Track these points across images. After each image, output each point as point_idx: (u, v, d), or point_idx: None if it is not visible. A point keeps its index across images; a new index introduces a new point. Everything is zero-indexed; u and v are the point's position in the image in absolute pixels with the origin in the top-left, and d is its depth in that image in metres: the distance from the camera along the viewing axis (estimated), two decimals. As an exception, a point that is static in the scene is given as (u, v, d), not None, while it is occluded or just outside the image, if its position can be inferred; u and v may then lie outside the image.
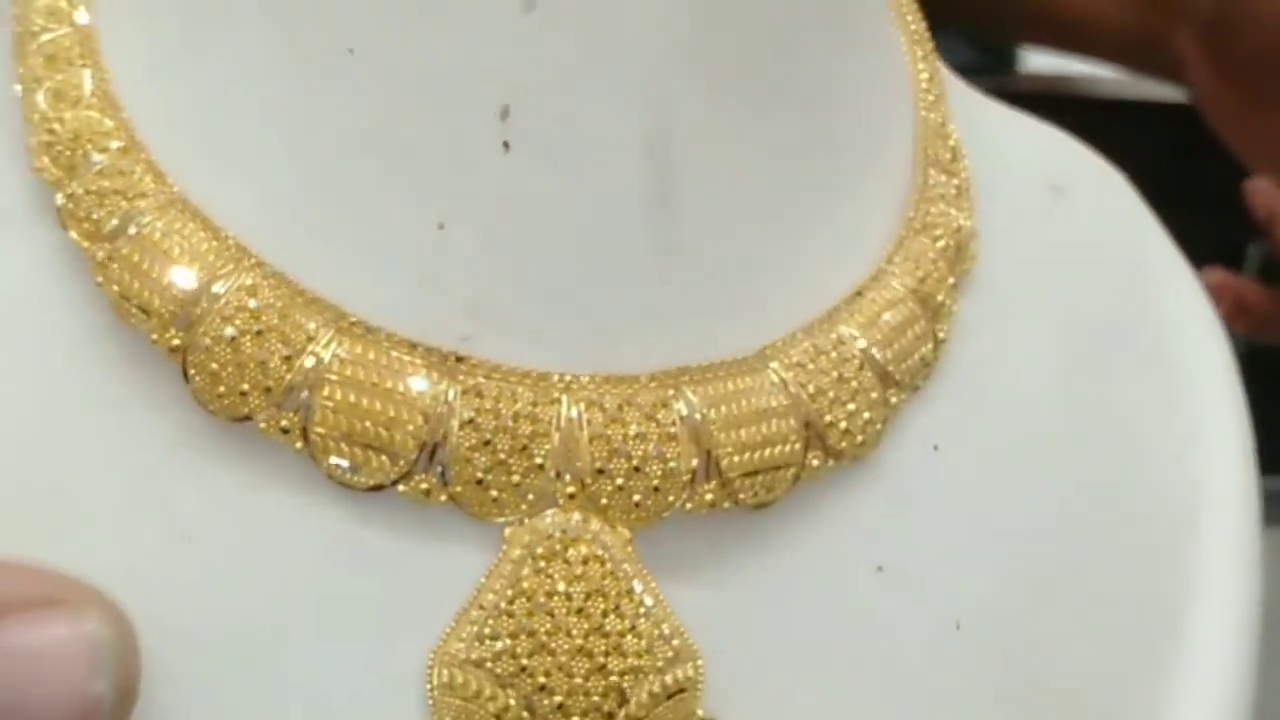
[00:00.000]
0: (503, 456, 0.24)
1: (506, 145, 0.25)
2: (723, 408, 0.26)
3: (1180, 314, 0.35)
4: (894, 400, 0.28)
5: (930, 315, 0.29)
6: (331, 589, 0.24)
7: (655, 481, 0.25)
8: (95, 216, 0.25)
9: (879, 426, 0.27)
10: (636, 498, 0.25)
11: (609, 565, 0.24)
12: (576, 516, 0.25)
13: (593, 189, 0.25)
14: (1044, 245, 0.33)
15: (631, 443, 0.25)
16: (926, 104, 0.33)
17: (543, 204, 0.25)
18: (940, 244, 0.30)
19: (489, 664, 0.24)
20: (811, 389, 0.26)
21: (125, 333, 0.25)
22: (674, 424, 0.25)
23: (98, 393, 0.25)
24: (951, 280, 0.30)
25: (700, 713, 0.25)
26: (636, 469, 0.25)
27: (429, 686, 0.24)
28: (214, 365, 0.24)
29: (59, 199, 0.25)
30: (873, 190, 0.30)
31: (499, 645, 0.24)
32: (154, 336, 0.24)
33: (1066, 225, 0.34)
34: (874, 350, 0.28)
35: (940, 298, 0.29)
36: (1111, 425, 0.31)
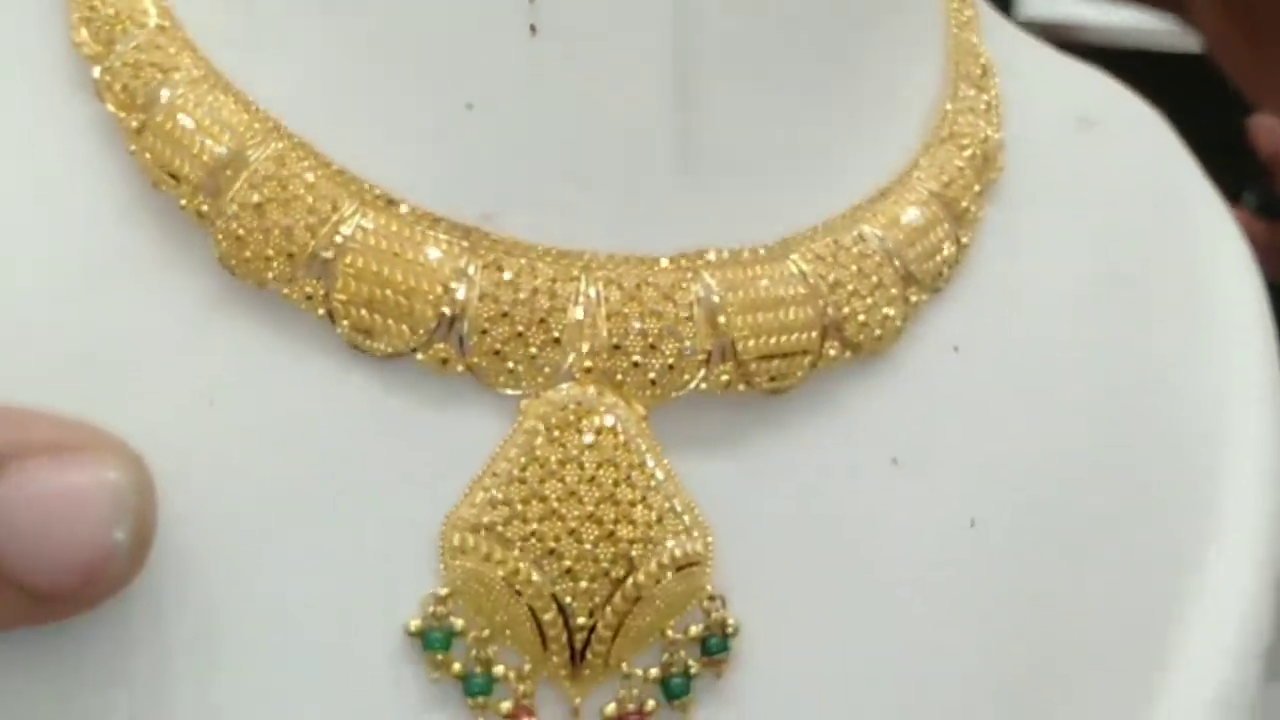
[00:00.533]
0: (520, 329, 0.25)
1: (533, 29, 0.25)
2: (740, 292, 0.26)
3: (1211, 247, 0.35)
4: (914, 299, 0.28)
5: (953, 219, 0.29)
6: (349, 452, 0.25)
7: (670, 360, 0.25)
8: (130, 87, 0.26)
9: (898, 323, 0.27)
10: (652, 375, 0.25)
11: (622, 437, 0.25)
12: (592, 390, 0.25)
13: (617, 75, 0.26)
14: (1074, 166, 0.33)
15: (648, 320, 0.25)
16: (959, 23, 0.33)
17: (568, 88, 0.26)
18: (967, 152, 0.30)
19: (499, 528, 0.24)
20: (831, 280, 0.27)
21: (158, 199, 0.25)
22: (691, 304, 0.25)
23: (130, 257, 0.25)
24: (977, 187, 0.30)
25: (709, 588, 0.25)
26: (652, 346, 0.25)
27: (440, 549, 0.24)
28: (240, 231, 0.25)
29: (96, 72, 0.26)
30: (901, 98, 0.30)
31: (509, 510, 0.24)
32: (183, 202, 0.25)
33: (1097, 151, 0.34)
34: (895, 248, 0.28)
35: (964, 203, 0.29)
36: (1136, 342, 0.31)
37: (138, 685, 0.24)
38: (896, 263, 0.28)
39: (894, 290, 0.28)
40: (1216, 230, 0.35)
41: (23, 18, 0.27)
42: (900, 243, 0.28)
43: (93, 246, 0.25)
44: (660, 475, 0.25)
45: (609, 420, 0.25)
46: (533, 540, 0.24)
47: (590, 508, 0.24)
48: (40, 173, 0.26)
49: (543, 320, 0.25)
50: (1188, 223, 0.35)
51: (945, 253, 0.29)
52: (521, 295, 0.25)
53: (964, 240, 0.29)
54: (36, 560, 0.22)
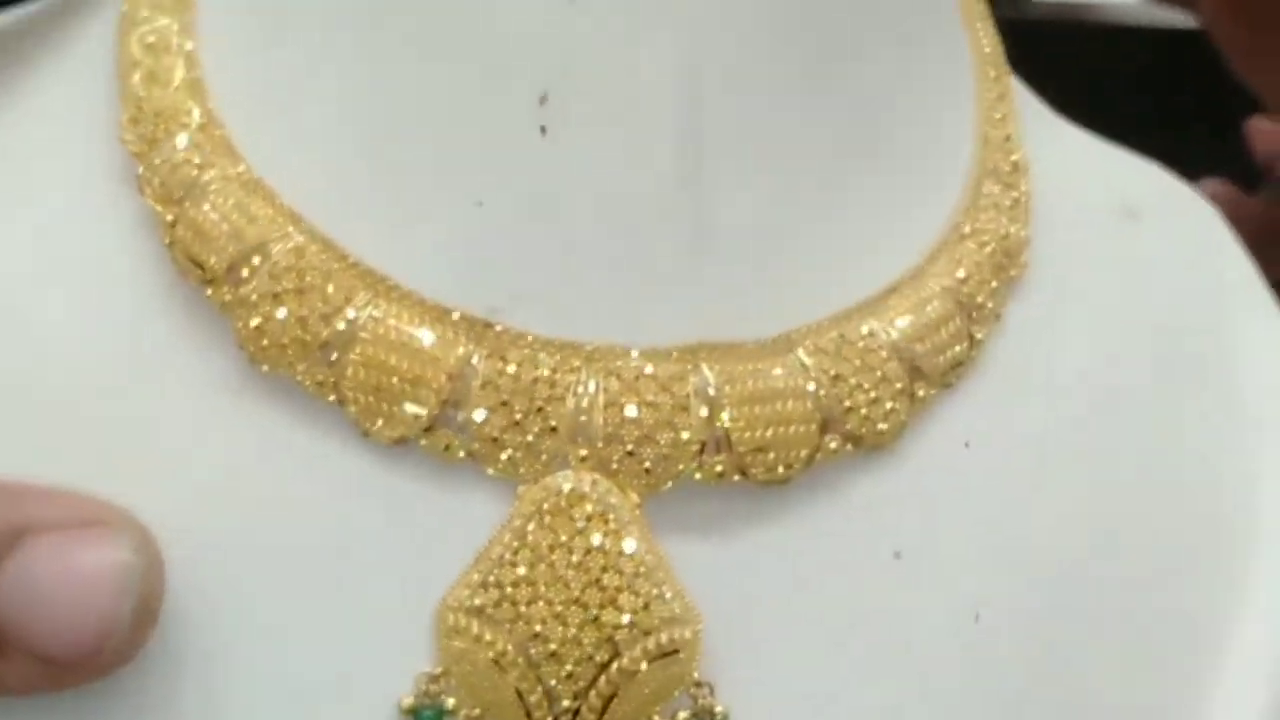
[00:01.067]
0: (518, 418, 0.26)
1: (544, 130, 0.26)
2: (738, 385, 0.27)
3: (1252, 349, 0.34)
4: (921, 393, 0.28)
5: (967, 315, 0.29)
6: (355, 533, 0.26)
7: (665, 450, 0.26)
8: (168, 184, 0.27)
9: (902, 417, 0.28)
10: (646, 464, 0.26)
11: (613, 525, 0.25)
12: (587, 478, 0.26)
13: (625, 174, 0.27)
14: (1108, 264, 0.33)
15: (644, 411, 0.26)
16: (991, 120, 0.33)
17: (576, 187, 0.27)
18: (987, 249, 0.30)
19: (489, 610, 0.25)
20: (833, 374, 0.27)
21: (188, 289, 0.27)
22: (688, 396, 0.26)
23: (160, 342, 0.27)
24: (994, 284, 0.30)
25: (695, 675, 0.26)
26: (646, 436, 0.26)
27: (435, 629, 0.25)
28: (259, 320, 0.26)
29: (140, 169, 0.28)
30: (920, 195, 0.30)
31: (500, 593, 0.25)
32: (209, 292, 0.26)
33: (1135, 247, 0.34)
34: (902, 343, 0.28)
35: (980, 299, 0.30)
36: (1157, 447, 0.31)
37: None
38: (903, 358, 0.28)
39: (899, 385, 0.28)
40: (1256, 322, 0.35)
41: (80, 113, 0.29)
42: (908, 338, 0.28)
43: (123, 332, 0.27)
44: (651, 561, 0.26)
45: (600, 508, 0.25)
46: (520, 623, 0.25)
47: (576, 592, 0.25)
48: (83, 258, 0.27)
49: (540, 409, 0.26)
50: (1225, 316, 0.35)
51: (957, 349, 0.29)
52: (522, 385, 0.26)
53: (978, 336, 0.30)
54: (49, 630, 0.23)
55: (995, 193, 0.32)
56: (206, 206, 0.27)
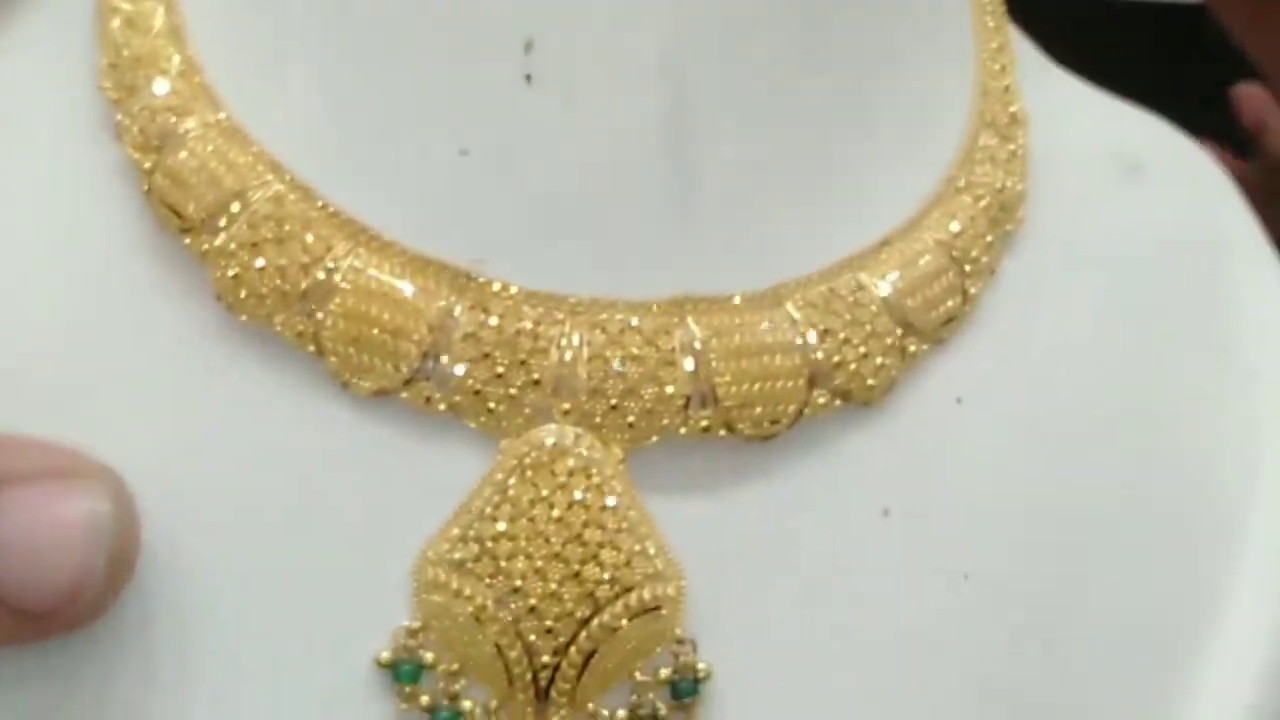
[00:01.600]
0: (501, 370, 0.25)
1: (529, 78, 0.26)
2: (725, 338, 0.26)
3: (1253, 306, 0.34)
4: (912, 348, 0.28)
5: (960, 270, 0.29)
6: (332, 485, 0.25)
7: (649, 404, 0.25)
8: (147, 130, 0.27)
9: (893, 373, 0.27)
10: (630, 418, 0.25)
11: (595, 479, 0.25)
12: (570, 432, 0.25)
13: (609, 124, 0.26)
14: (1105, 218, 0.33)
15: (629, 364, 0.25)
16: (990, 71, 0.33)
17: (560, 136, 0.26)
18: (982, 203, 0.30)
19: (469, 564, 0.25)
20: (822, 328, 0.27)
21: (166, 239, 0.26)
22: (673, 350, 0.26)
23: (137, 291, 0.26)
24: (989, 238, 0.30)
25: (678, 631, 0.25)
26: (630, 390, 0.25)
27: (414, 583, 0.25)
28: (238, 269, 0.26)
29: (118, 116, 0.27)
30: (915, 148, 0.30)
31: (480, 547, 0.25)
32: (187, 241, 0.26)
33: (1132, 201, 0.34)
34: (894, 297, 0.28)
35: (974, 253, 0.29)
36: (1151, 406, 0.31)
37: (119, 706, 0.25)
38: (894, 312, 0.28)
39: (889, 340, 0.27)
40: (1254, 274, 0.34)
41: (57, 60, 0.29)
42: (899, 292, 0.28)
43: (101, 280, 0.26)
44: (634, 517, 0.25)
45: (583, 462, 0.25)
46: (500, 578, 0.25)
47: (557, 548, 0.25)
48: (59, 210, 0.27)
49: (524, 362, 0.25)
50: (1223, 268, 0.34)
51: (949, 303, 0.29)
52: (504, 337, 0.25)
53: (972, 291, 0.29)
54: (24, 581, 0.23)
55: (992, 145, 0.31)
56: (184, 154, 0.26)
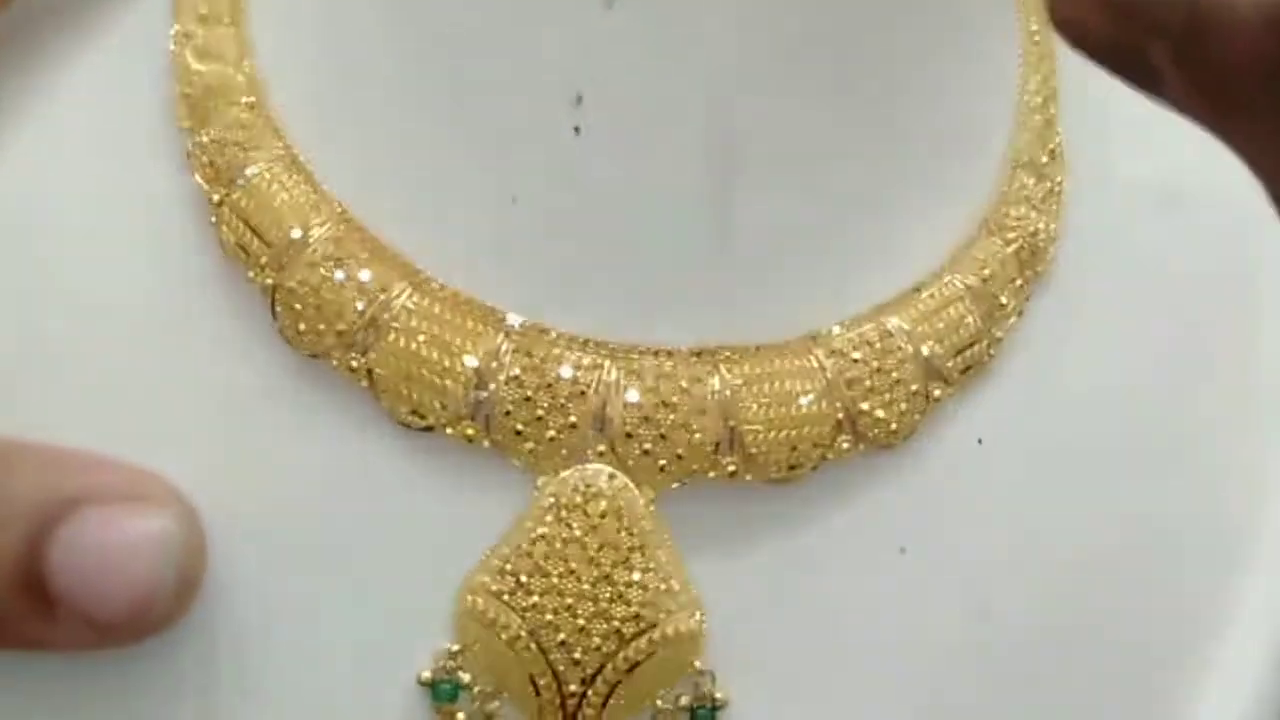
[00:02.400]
0: (541, 412, 0.27)
1: (578, 130, 0.27)
2: (755, 386, 0.28)
3: (1276, 331, 0.35)
4: (937, 394, 0.29)
5: (989, 315, 0.30)
6: (380, 514, 0.27)
7: (680, 449, 0.27)
8: (216, 163, 0.28)
9: (916, 418, 0.29)
10: (661, 462, 0.27)
11: (625, 521, 0.27)
12: (605, 473, 0.27)
13: (654, 176, 0.27)
14: (1138, 255, 0.34)
15: (662, 411, 0.27)
16: (1032, 107, 0.33)
17: (607, 187, 0.27)
18: (1012, 246, 0.31)
19: (505, 596, 0.26)
20: (849, 375, 0.28)
21: (232, 271, 0.28)
22: (705, 397, 0.27)
23: (203, 322, 0.28)
24: (1019, 282, 0.31)
25: (698, 664, 0.27)
26: (663, 436, 0.27)
27: (455, 610, 0.27)
28: (298, 305, 0.27)
29: (189, 145, 0.29)
30: (951, 192, 0.31)
31: (515, 581, 0.26)
32: (251, 274, 0.28)
33: (1165, 235, 0.34)
34: (921, 344, 0.29)
35: (1003, 299, 0.30)
36: (1174, 452, 0.32)
37: (184, 717, 0.27)
38: (921, 359, 0.29)
39: (915, 386, 0.29)
40: None
41: (130, 84, 0.30)
42: (927, 338, 0.29)
43: (168, 309, 0.28)
44: (662, 557, 0.27)
45: (615, 504, 0.27)
46: (533, 612, 0.26)
47: (587, 586, 0.26)
48: (128, 237, 0.29)
49: (562, 405, 0.27)
50: (1255, 319, 0.35)
51: (975, 348, 0.30)
52: (546, 380, 0.27)
53: (999, 335, 0.30)
54: (97, 595, 0.25)
55: (1029, 185, 0.32)
56: (251, 189, 0.28)
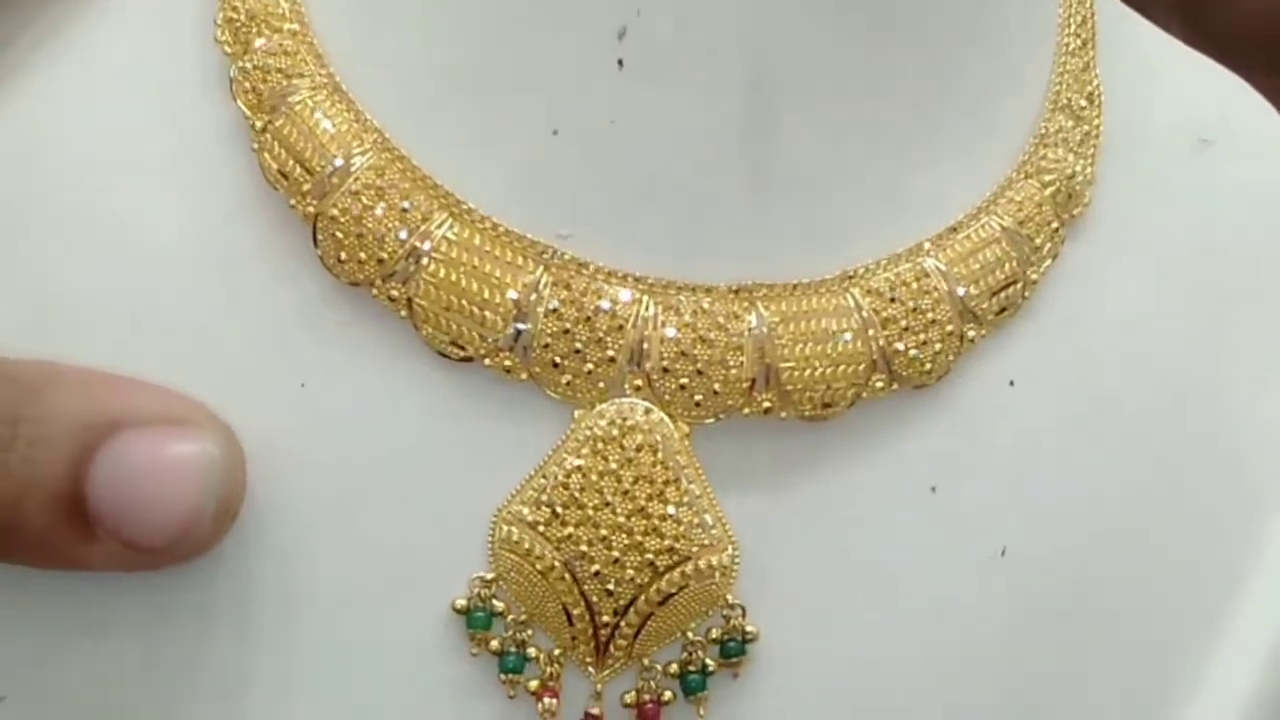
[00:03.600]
0: (579, 346, 0.27)
1: (620, 63, 0.27)
2: (791, 324, 0.28)
3: None
4: (971, 335, 0.29)
5: (1024, 258, 0.30)
6: (420, 442, 0.27)
7: (716, 385, 0.27)
8: (259, 89, 0.28)
9: (950, 358, 0.29)
10: (698, 397, 0.27)
11: (660, 454, 0.27)
12: (641, 407, 0.27)
13: (695, 111, 0.27)
14: (1174, 197, 0.34)
15: (699, 347, 0.27)
16: (1070, 49, 0.33)
17: (647, 120, 0.27)
18: (1049, 189, 0.31)
19: (540, 527, 0.27)
20: (885, 315, 0.28)
21: (274, 197, 0.28)
22: (742, 334, 0.27)
23: (244, 249, 0.28)
24: (1054, 224, 0.31)
25: (729, 597, 0.27)
26: (699, 372, 0.27)
27: (490, 539, 0.27)
28: (339, 234, 0.27)
29: (232, 71, 0.29)
30: (986, 131, 0.31)
31: (551, 512, 0.27)
32: (293, 202, 0.28)
33: (1203, 178, 0.34)
34: (958, 285, 0.29)
35: (1039, 240, 0.30)
36: (1198, 391, 0.32)
37: (221, 641, 0.27)
38: (956, 300, 0.29)
39: (950, 327, 0.29)
40: None
41: (173, 11, 0.30)
42: (963, 278, 0.29)
43: (210, 236, 0.28)
44: (696, 490, 0.27)
45: (651, 438, 0.27)
46: (568, 543, 0.27)
47: (622, 518, 0.27)
48: (171, 163, 0.29)
49: (600, 339, 0.27)
50: None
51: (1010, 290, 0.30)
52: (585, 314, 0.27)
53: (1034, 277, 0.30)
54: (138, 518, 0.25)
55: (1066, 127, 0.32)
56: (293, 115, 0.28)
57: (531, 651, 0.27)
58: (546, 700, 0.27)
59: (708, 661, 0.27)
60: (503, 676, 0.27)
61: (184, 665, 0.27)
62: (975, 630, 0.29)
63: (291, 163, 0.28)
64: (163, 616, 0.27)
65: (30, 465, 0.25)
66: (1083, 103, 0.33)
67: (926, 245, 0.29)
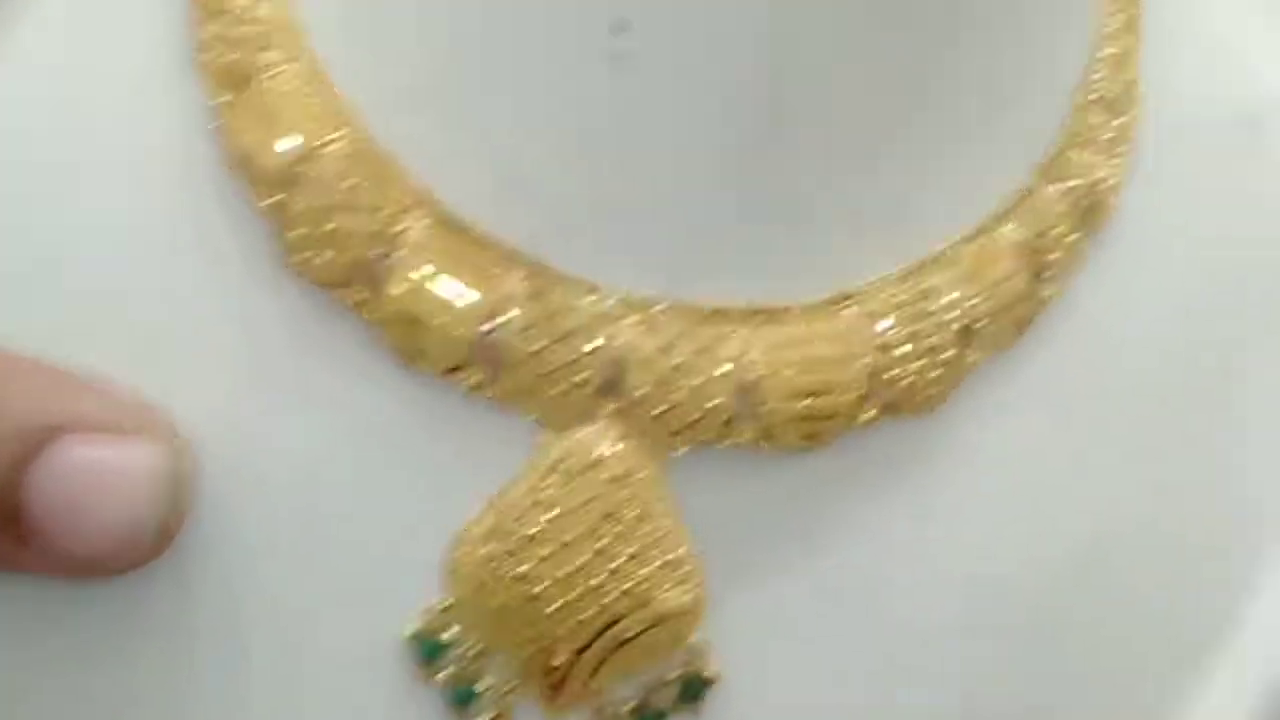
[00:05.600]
0: (551, 367, 0.25)
1: (614, 60, 0.25)
2: (778, 351, 0.26)
3: None
4: (971, 359, 0.27)
5: (1036, 274, 0.28)
6: (378, 460, 0.26)
7: (693, 416, 0.26)
8: (228, 64, 0.26)
9: (946, 386, 0.27)
10: (674, 426, 0.26)
11: (630, 489, 0.25)
12: (611, 436, 0.26)
13: (692, 118, 0.25)
14: (1212, 205, 0.31)
15: (676, 375, 0.25)
16: (1106, 34, 0.31)
17: (639, 124, 0.25)
18: (1071, 197, 0.29)
19: (494, 561, 0.25)
20: (881, 341, 0.26)
21: (238, 184, 0.26)
22: (725, 361, 0.26)
23: (204, 242, 0.26)
24: (1073, 237, 0.29)
25: (690, 639, 0.26)
26: (676, 400, 0.25)
27: (446, 566, 0.26)
28: (304, 229, 0.26)
29: (200, 36, 0.27)
30: (1005, 136, 0.29)
31: (505, 547, 0.25)
32: (254, 191, 0.26)
33: (1244, 167, 0.32)
34: (962, 305, 0.27)
35: (1054, 256, 0.28)
36: (1210, 432, 0.30)
37: (165, 666, 0.26)
38: (959, 323, 0.27)
39: (950, 352, 0.27)
40: None
41: None
42: (970, 297, 0.27)
43: (169, 219, 0.26)
44: (666, 526, 0.26)
45: (621, 471, 0.25)
46: (524, 583, 0.25)
47: (585, 557, 0.25)
48: (135, 142, 0.27)
49: (574, 361, 0.25)
50: None
51: (1019, 310, 0.28)
52: (560, 332, 0.25)
53: (1046, 294, 0.28)
54: (73, 531, 0.24)
55: (1097, 124, 0.30)
56: (262, 98, 0.26)
57: (480, 686, 0.26)
58: None
59: (664, 704, 0.26)
60: (453, 709, 0.26)
61: (125, 688, 0.26)
62: (962, 674, 0.28)
63: (255, 151, 0.26)
64: (103, 636, 0.26)
65: None
66: (1118, 92, 0.30)
67: (930, 263, 0.27)
